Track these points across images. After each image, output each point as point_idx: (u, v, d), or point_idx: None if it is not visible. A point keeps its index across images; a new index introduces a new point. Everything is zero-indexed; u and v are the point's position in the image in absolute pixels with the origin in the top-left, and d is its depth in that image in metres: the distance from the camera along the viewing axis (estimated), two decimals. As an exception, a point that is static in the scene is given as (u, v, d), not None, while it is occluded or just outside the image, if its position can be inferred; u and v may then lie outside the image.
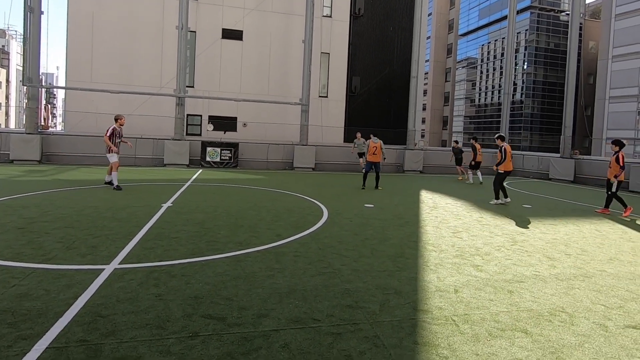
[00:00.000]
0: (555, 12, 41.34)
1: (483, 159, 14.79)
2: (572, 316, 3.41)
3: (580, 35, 38.20)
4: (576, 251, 5.45)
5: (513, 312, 3.44)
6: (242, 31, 19.33)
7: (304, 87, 16.53)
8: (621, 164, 8.35)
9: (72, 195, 7.90)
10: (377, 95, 22.57)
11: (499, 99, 42.58)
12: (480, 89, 47.14)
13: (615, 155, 8.46)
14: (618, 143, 8.58)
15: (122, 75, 17.72)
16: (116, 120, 9.34)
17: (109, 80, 17.27)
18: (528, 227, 6.82)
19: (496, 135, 9.73)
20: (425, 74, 51.45)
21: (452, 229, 6.43)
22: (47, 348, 2.52)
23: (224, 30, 19.12)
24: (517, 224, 7.04)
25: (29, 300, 3.17)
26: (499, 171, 9.34)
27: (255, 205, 7.72)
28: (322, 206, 7.85)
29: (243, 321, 3.01)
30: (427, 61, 51.43)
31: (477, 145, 13.97)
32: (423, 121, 51.73)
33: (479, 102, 47.40)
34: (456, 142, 15.92)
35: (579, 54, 30.30)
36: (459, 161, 15.19)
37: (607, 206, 8.79)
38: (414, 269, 4.41)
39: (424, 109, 51.67)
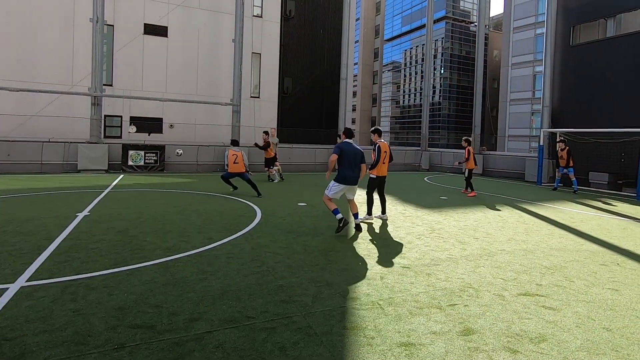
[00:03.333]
0: (465, 22, 45.98)
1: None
2: (477, 290, 3.92)
3: (486, 44, 42.97)
4: (482, 235, 6.22)
5: (430, 291, 3.84)
6: (166, 27, 18.29)
7: (235, 87, 16.21)
8: (466, 157, 10.91)
9: (-39, 208, 6.82)
10: (309, 96, 22.99)
11: (420, 101, 46.11)
12: (404, 91, 50.50)
13: (467, 150, 10.98)
14: (468, 141, 11.13)
15: (24, 71, 15.64)
16: None
17: (6, 76, 15.12)
18: (444, 217, 7.56)
19: (371, 129, 7.30)
20: (354, 76, 53.60)
21: (378, 222, 6.87)
22: (-63, 381, 2.22)
23: (146, 25, 17.90)
24: (435, 214, 7.77)
25: None
26: (371, 175, 7.09)
27: (184, 209, 7.42)
28: (255, 207, 7.83)
29: (174, 327, 2.95)
30: (355, 64, 53.64)
31: (265, 138, 12.32)
32: (353, 121, 53.81)
33: (403, 103, 50.76)
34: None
35: (485, 61, 34.13)
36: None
37: (471, 189, 10.97)
38: (344, 260, 4.66)
39: (353, 109, 53.76)
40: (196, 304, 3.34)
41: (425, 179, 15.96)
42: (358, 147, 6.03)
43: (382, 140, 7.16)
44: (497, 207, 8.95)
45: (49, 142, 13.42)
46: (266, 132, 12.62)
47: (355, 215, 6.11)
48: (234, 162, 9.43)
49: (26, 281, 3.69)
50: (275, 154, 12.84)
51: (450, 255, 5.04)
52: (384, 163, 7.09)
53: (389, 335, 2.96)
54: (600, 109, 14.76)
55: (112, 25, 17.12)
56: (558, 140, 13.06)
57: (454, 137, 43.91)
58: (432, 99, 45.05)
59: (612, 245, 5.93)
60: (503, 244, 5.70)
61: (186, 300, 3.42)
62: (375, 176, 7.10)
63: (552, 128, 15.51)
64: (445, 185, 13.54)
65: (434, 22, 43.02)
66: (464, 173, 11.28)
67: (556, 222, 7.56)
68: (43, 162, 13.14)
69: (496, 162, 18.06)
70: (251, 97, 20.25)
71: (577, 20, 15.90)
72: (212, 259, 4.52)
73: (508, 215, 8.06)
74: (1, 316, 3.00)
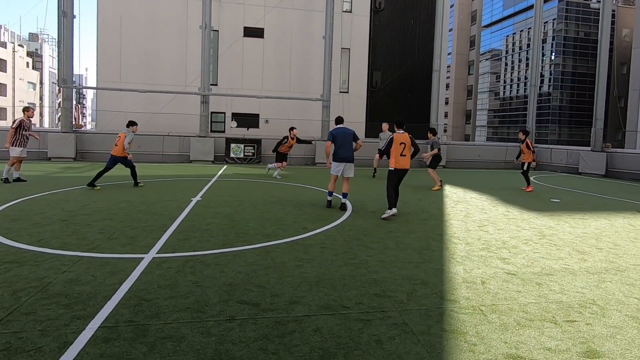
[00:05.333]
0: (585, -1, 39.63)
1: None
2: (603, 308, 3.38)
3: (612, 22, 36.43)
4: (608, 245, 5.33)
5: (542, 303, 3.44)
6: (263, 29, 19.56)
7: (325, 83, 16.60)
8: (532, 149, 10.34)
9: (107, 190, 8.31)
10: (399, 90, 22.36)
11: (524, 92, 41.26)
12: (505, 82, 45.81)
13: (524, 143, 10.23)
14: (526, 132, 10.54)
15: (149, 75, 18.32)
16: (24, 112, 8.96)
17: (137, 80, 17.89)
18: (557, 221, 6.68)
19: (396, 120, 6.75)
20: (447, 67, 50.43)
21: (478, 223, 6.39)
22: (99, 327, 2.75)
23: (245, 28, 19.41)
24: (545, 218, 6.91)
25: (79, 285, 3.43)
26: (390, 168, 6.53)
27: (280, 199, 7.90)
28: (346, 200, 7.93)
29: (276, 307, 3.16)
30: (449, 54, 50.38)
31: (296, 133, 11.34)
32: (446, 115, 50.78)
33: (503, 95, 46.10)
34: (434, 132, 11.06)
35: (611, 43, 28.88)
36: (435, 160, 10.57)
37: (528, 184, 10.40)
38: (440, 260, 4.45)
39: (446, 102, 50.72)
40: (295, 288, 3.53)
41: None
42: (349, 129, 7.05)
43: (402, 132, 6.54)
44: (627, 215, 7.57)
45: (168, 136, 15.51)
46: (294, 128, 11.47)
47: (344, 195, 7.05)
48: (115, 145, 8.60)
49: (156, 253, 4.34)
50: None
51: (566, 266, 4.44)
52: (402, 155, 6.42)
53: (493, 344, 2.74)
54: None
55: (217, 31, 18.92)
56: None
57: (567, 132, 38.38)
58: (540, 89, 39.94)
59: None
60: (637, 259, 4.81)
61: (286, 283, 3.64)
62: (393, 168, 6.46)
63: None
64: (556, 187, 11.96)
65: (544, 1, 38.06)
66: (522, 168, 10.46)
67: None
68: (164, 153, 15.26)
69: (625, 161, 15.28)
70: (340, 92, 20.52)
71: None
72: (307, 248, 4.72)
73: (642, 224, 6.77)
74: (139, 280, 3.59)
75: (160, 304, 3.12)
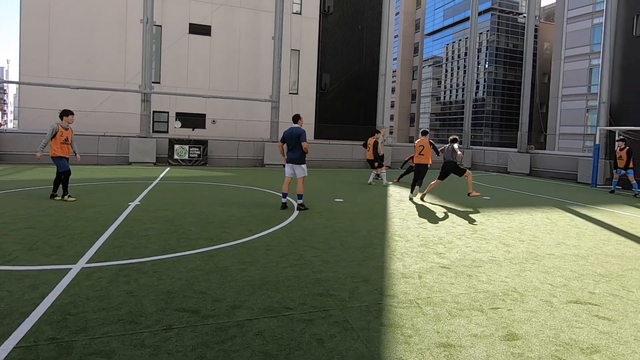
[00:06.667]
0: (513, 14, 43.51)
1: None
2: (522, 295, 3.75)
3: (536, 36, 40.40)
4: (529, 237, 5.91)
5: (471, 293, 3.73)
6: (210, 26, 18.96)
7: (274, 83, 16.50)
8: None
9: (31, 195, 7.53)
10: (347, 93, 22.89)
11: (462, 97, 44.35)
12: (445, 87, 48.82)
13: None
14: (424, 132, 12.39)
15: (83, 70, 16.91)
16: None
17: (68, 75, 16.42)
18: (487, 217, 7.27)
19: (421, 130, 9.33)
20: (393, 71, 52.50)
21: (418, 221, 6.75)
22: (14, 348, 2.49)
23: (191, 25, 18.68)
24: (477, 215, 7.49)
25: (-9, 302, 3.07)
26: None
27: (226, 201, 7.70)
28: (293, 201, 7.96)
29: (217, 313, 3.09)
30: (394, 59, 52.52)
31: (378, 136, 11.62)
32: (391, 118, 52.89)
33: (444, 99, 49.10)
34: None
35: (534, 55, 32.05)
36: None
37: (399, 178, 12.50)
38: (382, 258, 4.64)
39: (392, 106, 52.82)
40: (237, 293, 3.48)
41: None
42: (298, 129, 6.94)
43: (422, 138, 8.99)
44: (546, 209, 8.46)
45: (104, 136, 14.43)
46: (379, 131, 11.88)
47: (298, 197, 7.19)
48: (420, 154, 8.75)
49: (86, 263, 4.02)
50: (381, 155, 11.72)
51: (493, 258, 4.85)
52: (421, 154, 8.83)
53: (427, 334, 2.92)
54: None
55: (160, 26, 18.01)
56: (617, 139, 12.10)
57: (499, 135, 41.86)
58: (476, 95, 43.11)
59: (679, 254, 5.40)
60: (552, 248, 5.39)
61: (228, 288, 3.56)
62: (415, 164, 9.22)
63: (610, 126, 14.35)
64: (488, 185, 12.99)
65: (479, 14, 41.21)
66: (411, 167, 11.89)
67: (613, 227, 7.02)
68: (99, 155, 14.16)
69: (545, 161, 17.03)
70: (290, 93, 20.51)
71: (643, 7, 14.53)
72: (251, 250, 4.67)
73: (558, 217, 7.60)
74: (65, 293, 3.30)
75: (88, 318, 2.91)
